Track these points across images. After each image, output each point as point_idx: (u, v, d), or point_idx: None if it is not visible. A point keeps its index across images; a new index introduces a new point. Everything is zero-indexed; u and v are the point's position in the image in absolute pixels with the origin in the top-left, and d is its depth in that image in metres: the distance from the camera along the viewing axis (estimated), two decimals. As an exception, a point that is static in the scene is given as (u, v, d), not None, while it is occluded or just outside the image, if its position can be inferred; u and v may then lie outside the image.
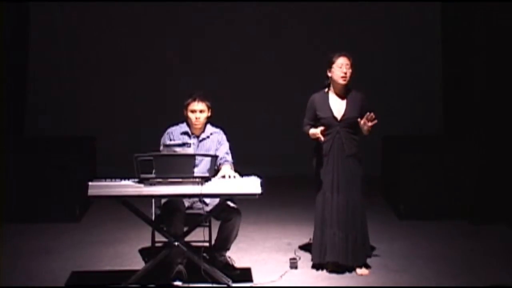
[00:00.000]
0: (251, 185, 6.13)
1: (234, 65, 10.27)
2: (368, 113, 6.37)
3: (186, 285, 6.30)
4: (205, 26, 10.22)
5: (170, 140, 6.52)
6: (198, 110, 6.54)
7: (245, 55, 10.27)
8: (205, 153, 6.49)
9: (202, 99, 6.57)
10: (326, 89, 6.62)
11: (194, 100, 6.55)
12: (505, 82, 8.02)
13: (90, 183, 6.08)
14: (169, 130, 6.65)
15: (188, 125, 6.64)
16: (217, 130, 6.74)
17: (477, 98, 8.21)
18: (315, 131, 6.45)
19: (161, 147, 6.52)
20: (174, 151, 6.24)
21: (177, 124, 6.68)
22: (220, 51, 10.26)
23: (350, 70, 6.52)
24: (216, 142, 6.66)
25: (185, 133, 6.61)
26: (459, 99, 9.09)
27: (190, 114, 6.57)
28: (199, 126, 6.59)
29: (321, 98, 6.60)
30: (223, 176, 6.34)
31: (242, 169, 6.62)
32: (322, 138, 6.42)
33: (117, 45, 10.21)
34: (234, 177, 6.31)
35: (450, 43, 9.53)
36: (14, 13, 9.13)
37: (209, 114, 6.62)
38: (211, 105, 6.60)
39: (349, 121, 6.51)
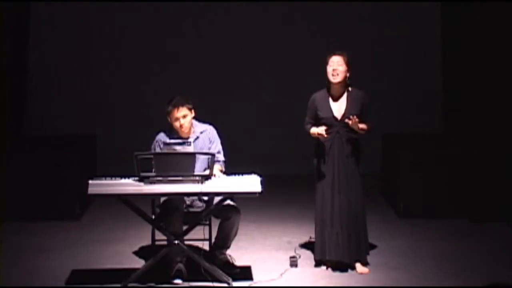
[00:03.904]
0: (251, 183, 6.14)
1: (234, 64, 10.26)
2: (352, 116, 6.39)
3: (186, 283, 6.30)
4: (205, 26, 10.21)
5: (160, 148, 6.49)
6: (181, 117, 6.48)
7: (245, 54, 10.26)
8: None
9: (182, 104, 6.46)
10: (327, 89, 6.63)
11: (174, 107, 6.46)
12: (505, 81, 8.03)
13: (90, 182, 6.09)
14: (158, 137, 6.60)
15: (175, 130, 6.60)
16: (206, 127, 6.69)
17: (476, 96, 8.21)
18: (317, 130, 6.46)
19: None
20: (174, 150, 6.24)
21: (164, 130, 6.62)
22: (220, 50, 10.25)
23: (342, 67, 6.50)
24: (207, 140, 6.63)
25: (173, 138, 6.57)
26: (459, 97, 9.10)
27: (174, 122, 6.50)
28: (186, 130, 6.54)
29: (322, 98, 6.60)
30: None
31: (242, 167, 6.62)
32: (325, 135, 6.43)
33: (117, 45, 10.20)
34: (219, 177, 6.32)
35: (450, 43, 9.53)
36: (14, 13, 9.13)
37: (193, 114, 6.56)
38: (192, 106, 6.52)
39: (350, 121, 6.51)
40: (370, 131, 6.57)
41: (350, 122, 6.40)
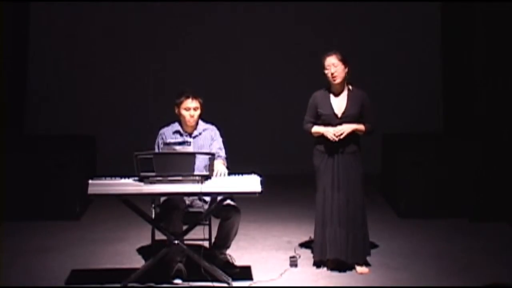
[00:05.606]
0: (251, 183, 6.13)
1: (235, 64, 10.27)
2: (335, 135, 6.43)
3: (186, 283, 6.30)
4: (206, 26, 10.23)
5: (162, 141, 6.50)
6: (192, 108, 6.52)
7: (245, 54, 10.27)
8: (199, 150, 6.48)
9: (196, 96, 6.54)
10: (327, 88, 6.64)
11: (188, 97, 6.52)
12: (505, 81, 8.03)
13: (90, 181, 6.08)
14: (161, 131, 6.63)
15: (180, 123, 6.62)
16: (210, 126, 6.72)
17: (477, 96, 8.21)
18: (325, 130, 6.46)
19: (156, 150, 6.53)
20: (174, 149, 6.24)
21: (168, 125, 6.66)
22: (221, 50, 10.27)
23: (338, 67, 6.50)
24: (209, 138, 6.65)
25: (177, 132, 6.60)
26: (459, 97, 9.10)
27: (183, 112, 6.53)
28: (192, 124, 6.58)
29: (323, 96, 6.62)
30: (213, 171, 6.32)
31: (242, 167, 6.62)
32: (336, 138, 6.44)
33: (117, 45, 10.21)
34: (225, 174, 6.32)
35: (450, 43, 9.54)
36: (14, 13, 9.13)
37: (201, 111, 6.61)
38: (202, 102, 6.59)
39: (349, 119, 6.52)
40: (366, 133, 6.57)
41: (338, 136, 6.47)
